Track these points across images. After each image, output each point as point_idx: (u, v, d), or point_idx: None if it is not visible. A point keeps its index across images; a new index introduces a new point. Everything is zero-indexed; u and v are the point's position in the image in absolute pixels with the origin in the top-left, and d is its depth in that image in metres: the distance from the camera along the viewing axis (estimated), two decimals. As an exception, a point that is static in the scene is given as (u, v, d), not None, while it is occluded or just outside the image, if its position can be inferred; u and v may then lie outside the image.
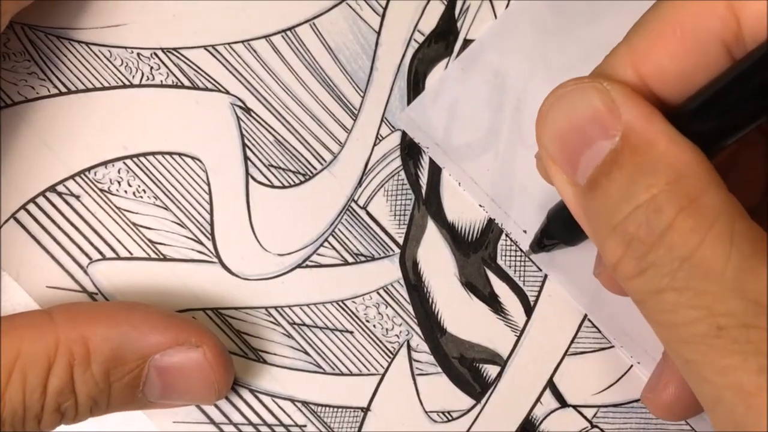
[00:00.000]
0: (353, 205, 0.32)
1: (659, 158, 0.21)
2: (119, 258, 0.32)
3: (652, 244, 0.21)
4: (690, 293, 0.20)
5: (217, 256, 0.32)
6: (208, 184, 0.32)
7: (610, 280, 0.29)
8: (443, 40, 0.33)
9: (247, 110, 0.33)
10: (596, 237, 0.23)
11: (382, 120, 0.33)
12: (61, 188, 0.32)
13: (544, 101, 0.23)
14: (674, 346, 0.21)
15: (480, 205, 0.33)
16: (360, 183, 0.33)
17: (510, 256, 0.33)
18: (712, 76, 0.22)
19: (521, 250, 0.33)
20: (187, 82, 0.32)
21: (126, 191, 0.32)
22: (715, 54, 0.22)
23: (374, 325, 0.32)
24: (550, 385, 0.32)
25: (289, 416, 0.31)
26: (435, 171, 0.33)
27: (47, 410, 0.27)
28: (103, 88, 0.32)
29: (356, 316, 0.32)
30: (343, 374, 0.32)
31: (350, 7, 0.33)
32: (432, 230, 0.33)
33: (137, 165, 0.32)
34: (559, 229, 0.29)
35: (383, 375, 0.32)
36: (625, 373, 0.32)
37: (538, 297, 0.32)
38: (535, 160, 0.28)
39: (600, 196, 0.22)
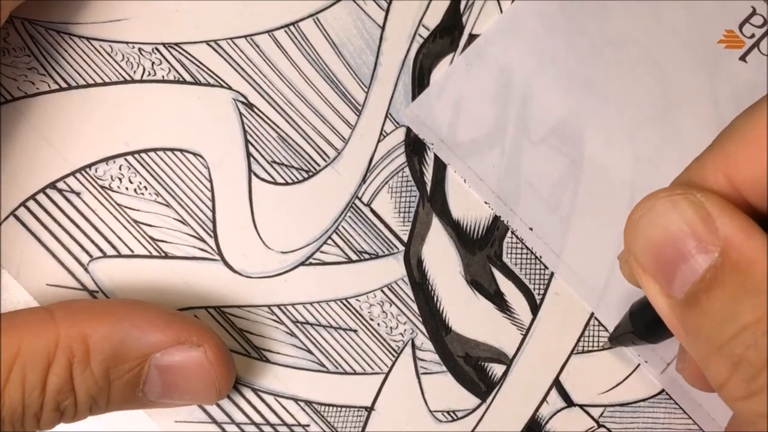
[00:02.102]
0: (357, 202, 0.32)
1: (762, 276, 0.20)
2: (120, 255, 0.31)
3: (762, 367, 0.20)
4: None
5: (219, 253, 0.32)
6: (210, 181, 0.32)
7: (693, 376, 0.29)
8: (448, 35, 0.33)
9: (250, 106, 0.32)
10: (697, 353, 0.22)
11: (386, 116, 0.32)
12: (61, 185, 0.31)
13: (634, 209, 0.23)
14: None
15: (485, 202, 0.32)
16: (364, 180, 0.32)
17: (516, 253, 0.32)
18: None
19: (527, 247, 0.32)
20: (189, 78, 0.32)
21: (127, 188, 0.32)
22: None
23: (378, 324, 0.32)
24: (556, 384, 0.32)
25: (292, 416, 0.31)
26: (440, 167, 0.32)
27: (46, 409, 0.27)
28: (104, 84, 0.32)
29: (360, 315, 0.32)
30: (347, 373, 0.31)
31: (354, 1, 0.33)
32: (437, 227, 0.32)
33: (138, 161, 0.32)
34: (643, 329, 0.28)
35: (387, 374, 0.31)
36: (632, 372, 0.32)
37: (544, 295, 0.32)
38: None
39: (701, 314, 0.21)
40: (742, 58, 0.33)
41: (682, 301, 0.22)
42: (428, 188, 0.32)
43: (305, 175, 0.32)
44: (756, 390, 0.20)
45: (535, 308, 0.32)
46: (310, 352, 0.31)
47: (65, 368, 0.26)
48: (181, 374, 0.28)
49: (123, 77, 0.32)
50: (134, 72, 0.32)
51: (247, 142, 0.32)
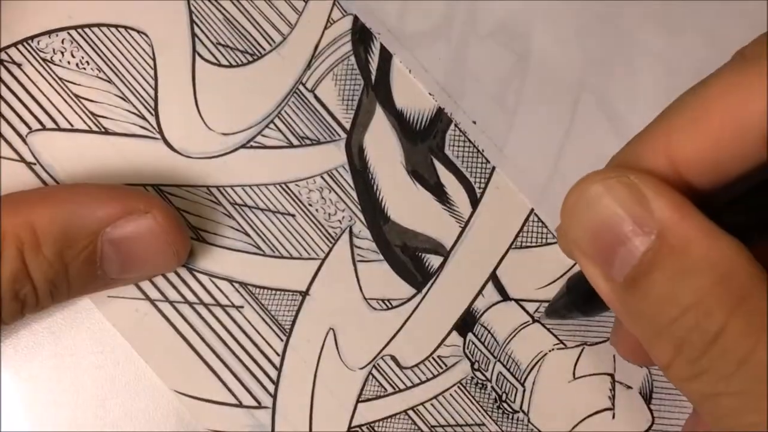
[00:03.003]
0: (301, 87, 0.32)
1: (701, 257, 0.20)
2: (59, 129, 0.31)
3: (705, 348, 0.20)
4: (749, 397, 0.20)
5: (160, 132, 0.31)
6: (154, 59, 0.32)
7: (627, 351, 0.29)
8: (400, -75, 0.32)
9: (197, -13, 0.32)
10: (641, 335, 0.22)
11: (334, 3, 0.32)
12: (2, 55, 0.31)
13: (568, 194, 0.22)
14: None
15: (430, 94, 0.32)
16: (309, 66, 0.32)
17: (458, 146, 0.32)
18: (750, 166, 0.21)
19: (470, 141, 0.32)
20: (136, -45, 0.32)
21: (69, 62, 0.31)
22: (756, 144, 0.21)
23: (317, 210, 0.32)
24: (493, 278, 0.32)
25: (226, 296, 0.31)
26: (386, 57, 0.32)
27: (5, 298, 0.26)
28: (50, -43, 0.32)
29: (299, 200, 0.32)
30: (283, 257, 0.31)
31: None
32: (380, 117, 0.32)
33: (81, 36, 0.31)
34: (580, 302, 0.28)
35: (323, 260, 0.31)
36: (569, 270, 0.32)
37: (485, 189, 0.32)
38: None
39: (642, 297, 0.21)
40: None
41: (622, 284, 0.21)
42: (373, 77, 0.32)
43: (250, 59, 0.32)
44: (700, 371, 0.20)
45: (475, 201, 0.32)
46: (247, 234, 0.31)
47: (16, 256, 0.26)
48: (135, 244, 0.28)
49: (70, -48, 0.32)
50: (81, -54, 0.32)
51: (192, 22, 0.32)
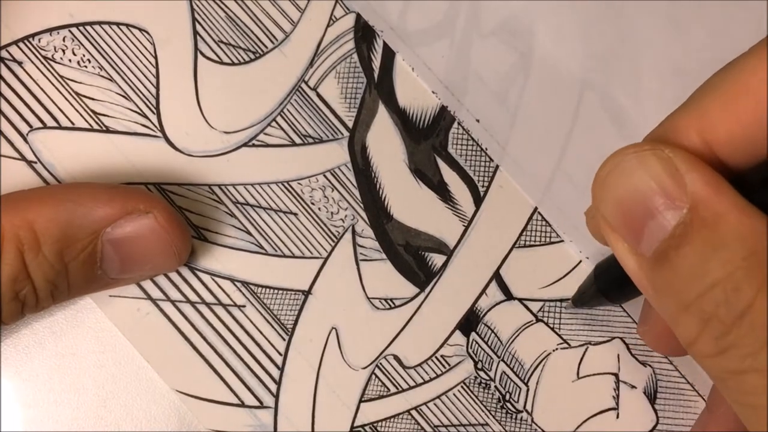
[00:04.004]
0: (303, 85, 0.32)
1: (732, 232, 0.20)
2: (60, 127, 0.31)
3: (732, 323, 0.20)
4: None
5: (162, 130, 0.31)
6: (156, 57, 0.31)
7: (655, 339, 0.29)
8: None
9: (199, -16, 0.32)
10: (666, 311, 0.22)
11: (336, 1, 0.32)
12: (3, 53, 0.31)
13: (601, 166, 0.22)
14: (758, 427, 0.20)
15: (433, 92, 0.32)
16: (311, 64, 0.32)
17: (461, 144, 0.32)
18: None
19: (473, 139, 0.32)
20: (138, -47, 0.32)
21: (70, 60, 0.31)
22: None
23: (319, 208, 0.31)
24: (497, 277, 0.32)
25: (228, 296, 0.31)
26: (388, 55, 0.32)
27: (5, 298, 0.26)
28: (52, -45, 0.31)
29: (301, 198, 0.31)
30: (285, 256, 0.31)
31: None
32: (383, 115, 0.32)
33: (83, 34, 0.31)
34: (609, 289, 0.28)
35: (326, 259, 0.31)
36: (574, 269, 0.32)
37: (488, 188, 0.32)
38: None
39: (670, 271, 0.21)
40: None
41: (651, 259, 0.21)
42: (376, 75, 0.32)
43: (252, 56, 0.32)
44: (726, 347, 0.20)
45: (478, 200, 0.32)
46: (249, 233, 0.31)
47: (16, 256, 0.26)
48: (135, 244, 0.28)
49: (71, -51, 0.31)
50: (82, -56, 0.32)
51: (194, 20, 0.32)
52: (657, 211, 0.21)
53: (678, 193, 0.21)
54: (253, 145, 0.31)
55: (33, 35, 0.31)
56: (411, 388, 0.31)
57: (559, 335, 0.31)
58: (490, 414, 0.31)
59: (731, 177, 0.21)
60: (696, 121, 0.22)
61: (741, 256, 0.20)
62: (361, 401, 0.31)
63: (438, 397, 0.31)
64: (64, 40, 0.31)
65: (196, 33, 0.32)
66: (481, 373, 0.31)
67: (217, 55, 0.32)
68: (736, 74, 0.21)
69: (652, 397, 0.31)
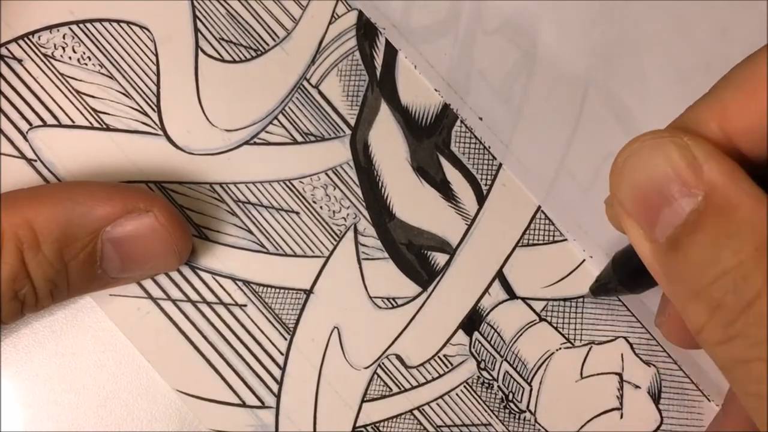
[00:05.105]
0: (305, 83, 0.32)
1: (745, 221, 0.20)
2: (60, 125, 0.31)
3: (740, 312, 0.20)
4: None
5: (162, 128, 0.31)
6: (156, 55, 0.31)
7: (672, 331, 0.29)
8: None
9: (200, -19, 0.32)
10: (677, 298, 0.22)
11: (338, -2, 0.32)
12: (3, 51, 0.31)
13: (619, 153, 0.22)
14: (762, 417, 0.20)
15: (435, 90, 0.32)
16: (313, 61, 0.32)
17: (464, 143, 0.32)
18: None
19: (476, 137, 0.32)
20: (138, -50, 0.31)
21: (71, 57, 0.31)
22: None
23: (321, 207, 0.31)
24: (500, 276, 0.31)
25: (229, 295, 0.31)
26: (391, 53, 0.32)
27: (5, 298, 0.26)
28: (52, -48, 0.31)
29: (303, 197, 0.31)
30: (287, 255, 0.31)
31: None
32: (385, 113, 0.32)
33: (83, 31, 0.31)
34: (627, 277, 0.28)
35: (328, 258, 0.31)
36: (577, 267, 0.32)
37: (491, 186, 0.32)
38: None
39: (682, 258, 0.21)
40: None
41: (665, 245, 0.21)
42: (378, 73, 0.32)
43: (253, 54, 0.31)
44: (733, 335, 0.20)
45: (481, 198, 0.32)
46: (250, 232, 0.31)
47: (15, 256, 0.26)
48: (136, 243, 0.28)
49: (71, -54, 0.31)
50: (83, -59, 0.31)
51: (195, 17, 0.31)
52: (672, 198, 0.21)
53: (694, 181, 0.21)
54: (255, 143, 0.31)
55: (33, 33, 0.31)
56: (413, 387, 0.31)
57: (562, 335, 0.31)
58: (493, 414, 0.31)
59: (749, 168, 0.21)
60: (716, 112, 0.22)
61: (753, 246, 0.20)
62: (363, 401, 0.31)
63: (440, 397, 0.31)
64: (64, 37, 0.31)
65: (197, 30, 0.31)
66: (484, 373, 0.31)
67: (219, 53, 0.31)
68: (756, 67, 0.22)
69: (656, 397, 0.31)
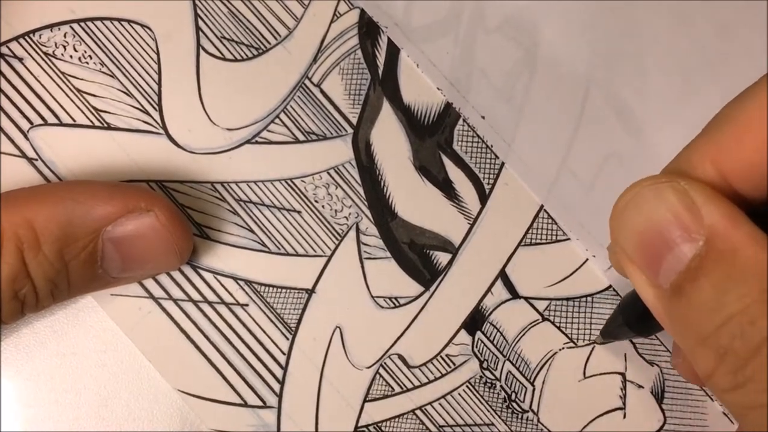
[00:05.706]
0: (307, 82, 0.31)
1: (748, 264, 0.20)
2: (61, 124, 0.31)
3: (749, 358, 0.20)
4: None
5: (164, 127, 0.31)
6: (158, 54, 0.31)
7: (688, 371, 0.28)
8: None
9: (201, -20, 0.31)
10: (684, 344, 0.22)
11: (340, -4, 0.32)
12: (4, 50, 0.31)
13: (619, 198, 0.22)
14: None
15: (438, 89, 0.32)
16: (315, 60, 0.32)
17: (467, 141, 0.32)
18: None
19: (479, 136, 0.32)
20: (139, -52, 0.31)
21: (72, 56, 0.31)
22: None
23: (323, 206, 0.31)
24: (502, 275, 0.31)
25: (231, 294, 0.30)
26: (393, 51, 0.32)
27: (5, 298, 0.26)
28: (53, -50, 0.31)
29: (305, 196, 0.31)
30: (288, 254, 0.31)
31: None
32: (387, 112, 0.32)
33: (84, 30, 0.31)
34: (634, 322, 0.27)
35: (330, 257, 0.31)
36: (580, 267, 0.31)
37: (493, 185, 0.31)
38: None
39: (687, 304, 0.21)
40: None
41: (668, 291, 0.21)
42: (380, 72, 0.32)
43: (255, 53, 0.31)
44: (742, 381, 0.20)
45: (483, 198, 0.31)
46: (252, 231, 0.31)
47: (15, 255, 0.26)
48: (137, 243, 0.27)
49: (72, -56, 0.31)
50: (84, -61, 0.31)
51: (196, 16, 0.31)
52: (674, 244, 0.21)
53: (694, 226, 0.20)
54: (256, 142, 0.31)
55: (34, 31, 0.31)
56: (416, 387, 0.31)
57: (565, 334, 0.31)
58: (496, 414, 0.31)
59: (747, 209, 0.21)
60: (710, 153, 0.22)
61: (757, 290, 0.19)
62: (365, 401, 0.30)
63: (443, 396, 0.31)
64: (65, 36, 0.31)
65: (198, 29, 0.31)
66: (487, 373, 0.31)
67: (220, 52, 0.31)
68: (748, 105, 0.21)
69: (659, 396, 0.31)
